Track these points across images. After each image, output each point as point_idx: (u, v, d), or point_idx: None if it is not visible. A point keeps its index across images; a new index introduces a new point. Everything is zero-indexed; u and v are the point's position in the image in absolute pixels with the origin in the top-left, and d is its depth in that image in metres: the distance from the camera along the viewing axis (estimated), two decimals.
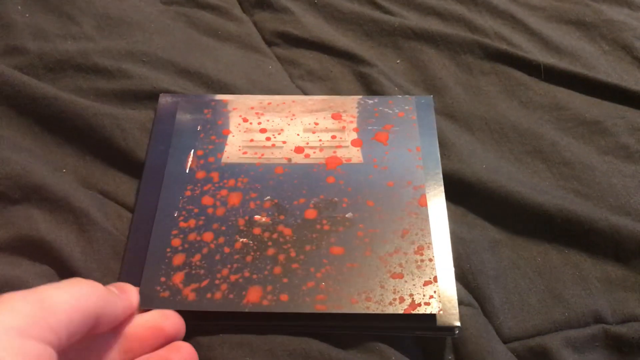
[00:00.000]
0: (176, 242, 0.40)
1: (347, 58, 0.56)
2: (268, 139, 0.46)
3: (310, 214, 0.41)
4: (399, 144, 0.45)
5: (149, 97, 0.49)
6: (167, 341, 0.34)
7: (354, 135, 0.46)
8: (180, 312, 0.36)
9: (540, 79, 0.55)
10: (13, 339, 0.25)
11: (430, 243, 0.40)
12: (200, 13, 0.59)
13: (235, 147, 0.45)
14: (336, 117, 0.48)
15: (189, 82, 0.51)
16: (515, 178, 0.47)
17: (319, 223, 0.41)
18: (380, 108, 0.48)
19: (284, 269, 0.38)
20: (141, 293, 0.36)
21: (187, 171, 0.43)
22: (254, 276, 0.38)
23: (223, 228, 0.40)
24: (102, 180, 0.45)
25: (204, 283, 0.37)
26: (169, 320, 0.35)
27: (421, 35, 0.57)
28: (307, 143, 0.46)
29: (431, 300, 0.37)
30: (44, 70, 0.51)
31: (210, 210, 0.41)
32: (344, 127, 0.47)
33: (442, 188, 0.43)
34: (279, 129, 0.47)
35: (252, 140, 0.46)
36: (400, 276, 0.38)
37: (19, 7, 0.56)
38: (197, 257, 0.39)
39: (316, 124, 0.47)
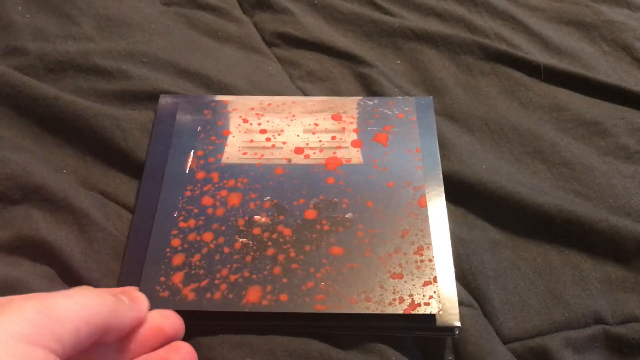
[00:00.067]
0: (176, 242, 0.40)
1: (347, 59, 0.56)
2: (268, 139, 0.46)
3: (310, 214, 0.41)
4: (398, 145, 0.45)
5: (149, 97, 0.49)
6: (167, 341, 0.34)
7: (354, 136, 0.46)
8: (179, 312, 0.36)
9: (540, 80, 0.55)
10: (18, 345, 0.25)
11: (430, 243, 0.40)
12: (200, 14, 0.59)
13: (235, 148, 0.45)
14: (336, 118, 0.48)
15: (189, 83, 0.51)
16: (515, 179, 0.47)
17: (319, 223, 0.41)
18: (380, 109, 0.48)
19: (283, 269, 0.38)
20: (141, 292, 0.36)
21: (187, 171, 0.43)
22: (254, 276, 0.38)
23: (223, 228, 0.40)
24: (103, 181, 0.45)
25: (204, 283, 0.38)
26: (168, 320, 0.35)
27: (421, 36, 0.57)
28: (307, 144, 0.46)
29: (431, 301, 0.37)
30: (45, 70, 0.51)
31: (210, 211, 0.41)
32: (343, 128, 0.47)
33: (442, 189, 0.43)
34: (279, 129, 0.47)
35: (252, 141, 0.46)
36: (400, 276, 0.38)
37: (20, 8, 0.56)
38: (197, 257, 0.39)
39: (316, 124, 0.47)
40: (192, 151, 0.45)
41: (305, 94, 0.53)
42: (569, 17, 0.61)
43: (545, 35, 0.59)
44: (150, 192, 0.43)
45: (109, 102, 0.49)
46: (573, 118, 0.52)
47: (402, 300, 0.37)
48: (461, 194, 0.46)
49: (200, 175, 0.43)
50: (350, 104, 0.49)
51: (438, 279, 0.38)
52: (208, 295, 0.37)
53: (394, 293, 0.37)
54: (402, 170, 0.44)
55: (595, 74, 0.54)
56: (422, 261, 0.39)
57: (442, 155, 0.47)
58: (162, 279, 0.38)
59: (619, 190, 0.47)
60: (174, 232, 0.40)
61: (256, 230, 0.40)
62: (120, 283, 0.39)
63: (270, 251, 0.39)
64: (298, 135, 0.46)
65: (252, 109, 0.48)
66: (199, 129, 0.46)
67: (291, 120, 0.47)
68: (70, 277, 0.40)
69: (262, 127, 0.47)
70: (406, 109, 0.48)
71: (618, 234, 0.44)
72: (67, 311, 0.28)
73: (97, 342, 0.30)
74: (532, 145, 0.50)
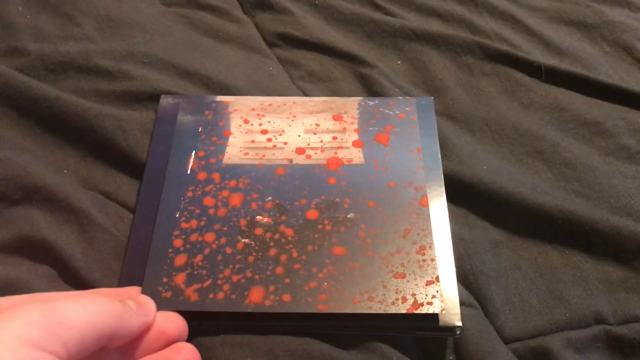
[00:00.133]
0: (178, 242, 0.40)
1: (347, 59, 0.56)
2: (269, 140, 0.46)
3: (312, 214, 0.41)
4: (399, 145, 0.45)
5: (150, 98, 0.49)
6: (170, 344, 0.34)
7: (355, 137, 0.46)
8: (181, 312, 0.36)
9: (541, 80, 0.55)
10: (24, 349, 0.25)
11: (432, 243, 0.40)
12: (201, 14, 0.59)
13: (237, 148, 0.45)
14: (337, 118, 0.48)
15: (189, 84, 0.51)
16: (516, 179, 0.47)
17: (321, 223, 0.41)
18: (381, 109, 0.48)
19: (286, 269, 0.38)
20: (143, 294, 0.36)
21: (189, 172, 0.43)
22: (256, 276, 0.38)
23: (225, 229, 0.40)
24: (103, 181, 0.45)
25: (206, 283, 0.37)
26: (172, 324, 0.35)
27: (422, 36, 0.57)
28: (308, 144, 0.46)
29: (434, 300, 0.37)
30: (45, 71, 0.51)
31: (211, 211, 0.41)
32: (344, 129, 0.47)
33: (443, 189, 0.43)
34: (280, 130, 0.47)
35: (253, 142, 0.46)
36: (403, 276, 0.38)
37: (20, 9, 0.56)
38: (199, 257, 0.39)
39: (317, 125, 0.47)
40: (194, 152, 0.45)
41: (306, 94, 0.53)
42: (569, 17, 0.61)
43: (546, 35, 0.59)
44: (151, 192, 0.43)
45: (110, 102, 0.49)
46: (574, 118, 0.52)
47: (404, 299, 0.37)
48: (462, 194, 0.46)
49: (202, 175, 0.43)
50: (351, 105, 0.49)
51: (440, 278, 0.38)
52: (211, 295, 0.37)
53: (396, 293, 0.37)
54: (404, 170, 0.44)
55: (596, 75, 0.54)
56: (424, 261, 0.39)
57: (443, 156, 0.47)
58: (165, 279, 0.38)
59: (620, 191, 0.47)
60: (176, 232, 0.40)
61: (258, 231, 0.40)
62: (121, 283, 0.39)
63: (273, 251, 0.39)
64: (299, 136, 0.46)
65: (253, 109, 0.48)
66: (200, 129, 0.46)
67: (292, 120, 0.47)
68: (71, 278, 0.40)
69: (263, 127, 0.47)
70: (407, 109, 0.48)
71: (619, 234, 0.44)
72: (73, 316, 0.28)
73: (103, 347, 0.30)
74: (532, 146, 0.50)
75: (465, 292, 0.41)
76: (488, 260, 0.43)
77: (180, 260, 0.39)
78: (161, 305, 0.36)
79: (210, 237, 0.40)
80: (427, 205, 0.42)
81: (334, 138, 0.46)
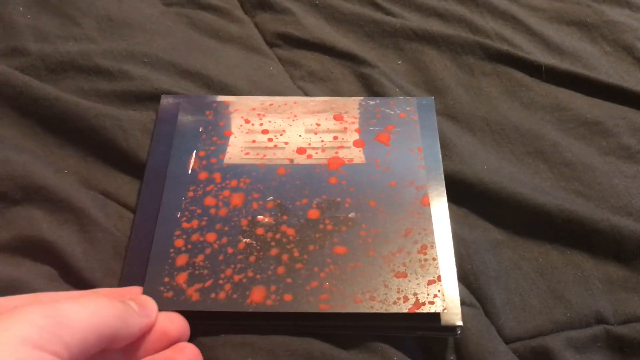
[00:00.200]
0: (179, 242, 0.40)
1: (348, 59, 0.56)
2: (270, 139, 0.46)
3: (313, 214, 0.41)
4: (400, 145, 0.45)
5: (151, 98, 0.49)
6: (172, 344, 0.34)
7: (356, 136, 0.46)
8: (183, 312, 0.36)
9: (542, 80, 0.55)
10: (25, 349, 0.25)
11: (433, 242, 0.40)
12: (202, 14, 0.59)
13: (238, 148, 0.45)
14: (338, 118, 0.48)
15: (190, 83, 0.51)
16: (517, 179, 0.47)
17: (322, 223, 0.41)
18: (382, 109, 0.48)
19: (287, 268, 0.38)
20: (145, 293, 0.36)
21: (190, 172, 0.43)
22: (258, 276, 0.38)
23: (226, 228, 0.40)
24: (104, 181, 0.45)
25: (208, 283, 0.37)
26: (174, 324, 0.35)
27: (422, 36, 0.57)
28: (309, 144, 0.46)
29: (435, 299, 0.37)
30: (46, 71, 0.51)
31: (212, 211, 0.41)
32: (345, 128, 0.47)
33: (444, 188, 0.43)
34: (281, 130, 0.47)
35: (254, 141, 0.46)
36: (404, 275, 0.38)
37: (21, 9, 0.56)
38: (201, 257, 0.39)
39: (318, 124, 0.47)
40: (195, 152, 0.45)
41: (306, 94, 0.53)
42: (570, 17, 0.61)
43: (547, 35, 0.59)
44: (152, 192, 0.43)
45: (110, 102, 0.49)
46: (574, 118, 0.52)
47: (406, 299, 0.37)
48: (462, 194, 0.46)
49: (203, 175, 0.43)
50: (351, 104, 0.49)
51: (441, 278, 0.38)
52: (212, 295, 0.37)
53: (398, 292, 0.37)
54: (405, 169, 0.44)
55: (596, 74, 0.54)
56: (425, 260, 0.39)
57: (444, 156, 0.47)
58: (166, 279, 0.38)
59: (621, 190, 0.47)
60: (177, 232, 0.40)
61: (259, 231, 0.40)
62: (122, 283, 0.39)
63: (274, 251, 0.39)
64: (300, 136, 0.46)
65: (254, 109, 0.48)
66: (200, 129, 0.46)
67: (293, 120, 0.47)
68: (71, 278, 0.40)
69: (263, 127, 0.47)
70: (408, 108, 0.48)
71: (620, 234, 0.44)
72: (75, 317, 0.28)
73: (105, 348, 0.30)
74: (533, 146, 0.50)
75: (466, 291, 0.41)
76: (489, 260, 0.43)
77: (181, 260, 0.39)
78: (162, 305, 0.36)
79: (211, 237, 0.40)
80: (429, 205, 0.42)
81: (335, 138, 0.46)
